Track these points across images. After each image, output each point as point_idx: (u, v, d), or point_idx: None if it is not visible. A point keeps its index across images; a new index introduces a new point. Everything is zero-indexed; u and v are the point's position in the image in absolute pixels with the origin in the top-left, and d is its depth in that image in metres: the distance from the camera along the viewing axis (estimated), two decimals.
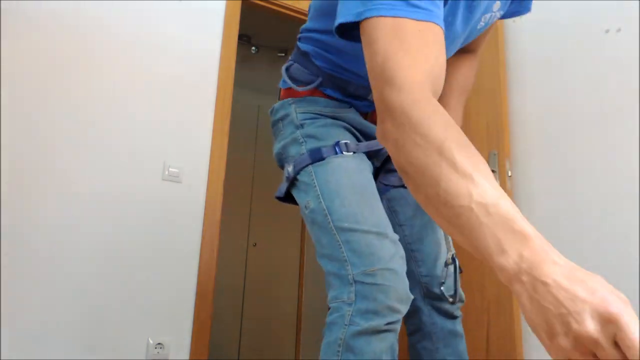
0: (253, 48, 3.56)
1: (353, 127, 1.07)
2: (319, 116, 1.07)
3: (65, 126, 1.99)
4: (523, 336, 1.84)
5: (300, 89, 1.08)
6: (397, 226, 1.15)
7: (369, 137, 1.09)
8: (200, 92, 2.28)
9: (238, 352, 3.87)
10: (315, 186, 1.00)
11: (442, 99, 1.19)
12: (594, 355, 0.44)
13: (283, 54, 3.64)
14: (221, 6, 2.43)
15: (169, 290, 2.06)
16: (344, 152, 1.01)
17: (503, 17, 1.16)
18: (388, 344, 0.89)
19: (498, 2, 1.02)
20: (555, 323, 0.45)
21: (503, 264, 0.50)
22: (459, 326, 1.16)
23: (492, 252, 0.51)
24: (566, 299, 0.45)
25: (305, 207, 1.01)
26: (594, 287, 0.44)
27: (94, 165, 2.01)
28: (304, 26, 1.12)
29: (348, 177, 0.99)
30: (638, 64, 1.68)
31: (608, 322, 0.43)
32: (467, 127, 2.15)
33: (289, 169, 1.05)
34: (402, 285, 0.91)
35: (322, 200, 0.98)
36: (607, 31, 1.79)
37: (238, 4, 2.47)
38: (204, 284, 2.12)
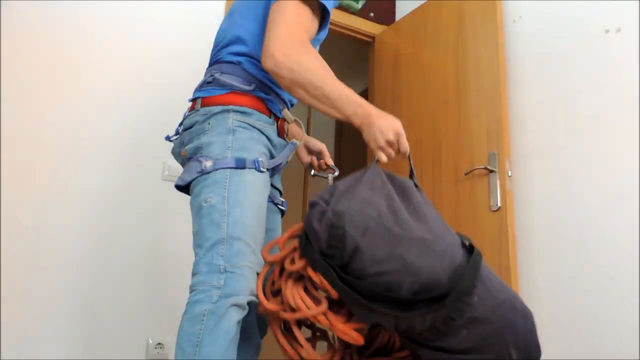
0: None
1: (271, 143, 1.30)
2: (249, 127, 1.26)
3: (66, 126, 1.99)
4: None
5: (245, 87, 1.28)
6: (266, 231, 1.39)
7: (278, 150, 1.34)
8: None
9: None
10: (225, 188, 1.17)
11: None
12: (392, 151, 1.16)
13: None
14: (221, 6, 2.43)
15: (169, 290, 2.06)
16: (261, 169, 1.22)
17: None
18: (239, 319, 1.12)
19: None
20: (379, 136, 1.13)
21: (355, 119, 1.15)
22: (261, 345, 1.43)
23: (350, 115, 1.16)
24: (382, 125, 1.14)
25: (205, 200, 1.18)
26: (393, 121, 1.15)
27: (94, 165, 2.01)
28: (228, 50, 1.35)
29: (254, 194, 1.20)
30: (638, 64, 1.68)
31: (398, 135, 1.15)
32: (467, 127, 2.16)
33: (207, 164, 1.20)
34: (255, 283, 1.16)
35: (225, 203, 1.16)
36: (607, 31, 1.79)
37: None
38: None
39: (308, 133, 4.51)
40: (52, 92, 1.99)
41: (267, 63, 1.17)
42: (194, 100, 1.33)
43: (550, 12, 2.02)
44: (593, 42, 1.83)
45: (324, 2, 1.25)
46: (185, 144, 1.29)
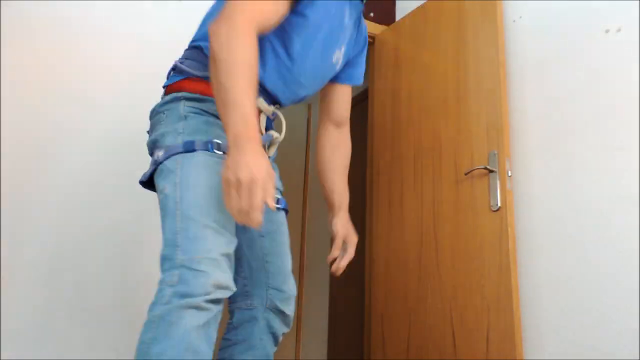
0: None
1: None
2: (204, 112, 1.15)
3: (66, 126, 1.99)
4: (523, 336, 1.84)
5: (196, 73, 1.18)
6: (258, 236, 1.27)
7: None
8: None
9: None
10: (177, 174, 1.07)
11: (322, 125, 1.53)
12: (237, 195, 0.93)
13: None
14: None
15: None
16: (215, 151, 1.09)
17: (337, 78, 1.48)
18: (200, 323, 0.96)
19: (344, 47, 1.35)
20: (237, 168, 0.93)
21: (230, 132, 0.97)
22: (273, 355, 1.28)
23: (229, 124, 0.97)
24: (250, 160, 0.94)
25: (161, 192, 1.08)
26: (263, 166, 0.94)
27: (94, 165, 2.01)
28: (195, 36, 1.30)
29: (208, 175, 1.06)
30: (638, 64, 1.68)
31: (253, 182, 0.92)
32: (467, 126, 2.16)
33: (159, 154, 1.12)
34: (222, 275, 1.00)
35: (177, 189, 1.05)
36: (607, 31, 1.79)
37: None
38: None
39: (307, 136, 4.51)
40: (53, 90, 1.99)
41: (218, 27, 1.03)
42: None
43: (550, 12, 2.02)
44: (593, 42, 1.83)
45: None
46: (149, 138, 1.25)
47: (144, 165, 2.11)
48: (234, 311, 1.30)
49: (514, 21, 2.17)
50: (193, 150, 1.09)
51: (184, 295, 0.96)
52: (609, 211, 1.70)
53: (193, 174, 1.06)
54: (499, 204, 1.94)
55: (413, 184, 2.40)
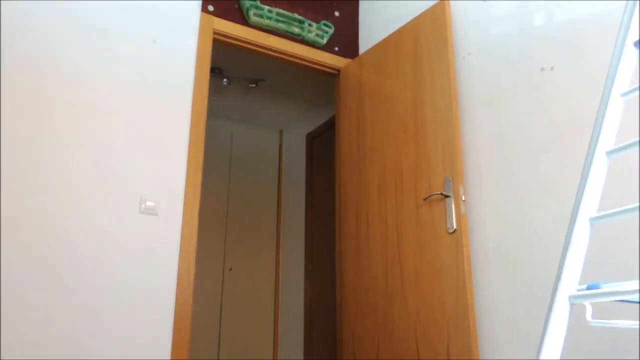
0: (225, 80, 3.70)
1: None
2: None
3: (50, 162, 2.06)
4: (480, 350, 1.98)
5: None
6: None
7: None
8: (175, 124, 2.39)
9: None
10: None
11: None
12: None
13: (254, 85, 3.78)
14: (193, 44, 2.56)
15: (147, 315, 2.13)
16: None
17: None
18: None
19: None
20: None
21: None
22: None
23: None
24: None
25: None
26: None
27: (72, 198, 2.09)
28: None
29: None
30: (570, 98, 1.87)
31: None
32: (426, 154, 2.33)
33: None
34: None
35: None
36: (542, 69, 1.98)
37: (209, 41, 2.61)
38: (181, 308, 2.21)
39: (280, 161, 4.63)
40: (32, 129, 2.06)
41: None
42: None
43: (493, 50, 2.22)
44: (531, 79, 2.02)
45: None
46: None
47: (121, 198, 2.20)
48: None
49: (463, 57, 2.36)
50: None
51: None
52: (553, 231, 1.86)
53: None
54: (455, 227, 2.10)
55: (378, 208, 2.54)
